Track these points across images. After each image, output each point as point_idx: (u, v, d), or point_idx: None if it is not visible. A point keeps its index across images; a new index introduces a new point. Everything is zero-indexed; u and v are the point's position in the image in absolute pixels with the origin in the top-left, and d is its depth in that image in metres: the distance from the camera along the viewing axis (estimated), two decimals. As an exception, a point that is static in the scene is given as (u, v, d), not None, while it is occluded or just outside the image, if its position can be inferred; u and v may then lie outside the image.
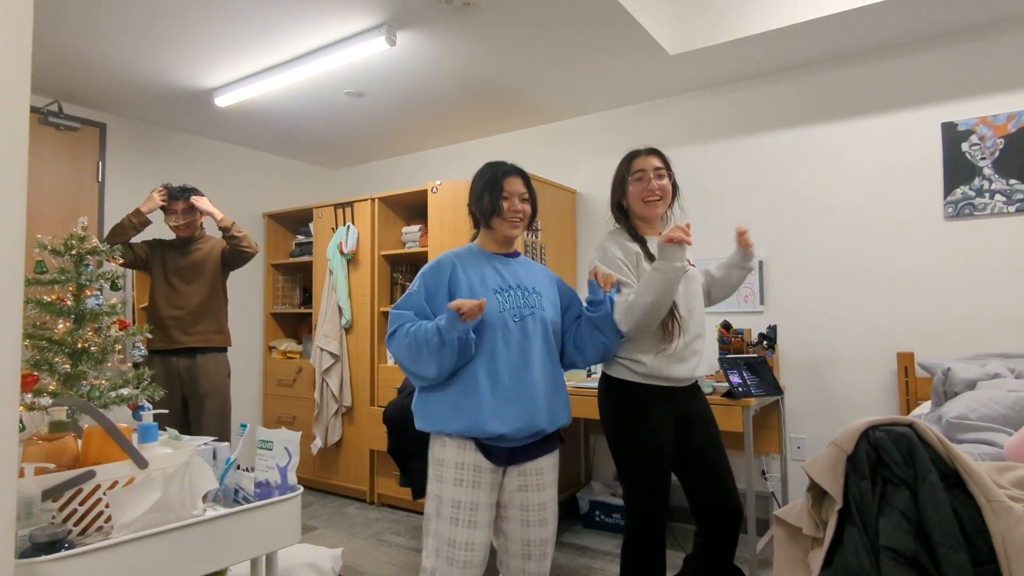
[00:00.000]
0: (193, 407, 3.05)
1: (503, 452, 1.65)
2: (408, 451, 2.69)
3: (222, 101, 3.37)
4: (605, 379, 1.98)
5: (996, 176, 2.64)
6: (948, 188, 2.73)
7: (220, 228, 3.05)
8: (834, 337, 2.96)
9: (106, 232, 3.11)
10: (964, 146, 2.70)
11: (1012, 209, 2.60)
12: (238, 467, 1.50)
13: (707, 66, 3.09)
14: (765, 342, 2.90)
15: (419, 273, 1.75)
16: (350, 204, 3.92)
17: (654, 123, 3.55)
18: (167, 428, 1.57)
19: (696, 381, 2.01)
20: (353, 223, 3.87)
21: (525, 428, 1.64)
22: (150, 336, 1.75)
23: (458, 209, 3.38)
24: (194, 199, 3.07)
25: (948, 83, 2.76)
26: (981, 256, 2.66)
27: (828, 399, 2.97)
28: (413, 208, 3.94)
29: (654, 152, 1.95)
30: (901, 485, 1.03)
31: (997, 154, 2.64)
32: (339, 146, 4.42)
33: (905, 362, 2.73)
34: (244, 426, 1.54)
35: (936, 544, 1.00)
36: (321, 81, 3.21)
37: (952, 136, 2.73)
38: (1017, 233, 2.60)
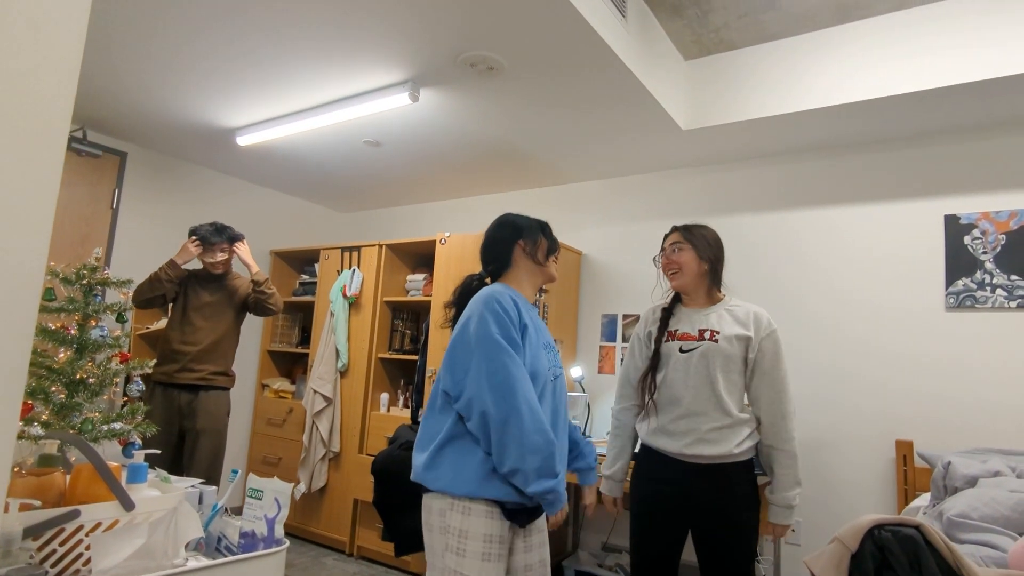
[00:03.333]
0: (188, 443, 3.01)
1: (526, 514, 1.55)
2: (395, 505, 2.62)
3: (244, 140, 3.44)
4: None
5: (997, 271, 2.67)
6: (950, 279, 2.76)
7: (252, 280, 3.12)
8: (833, 420, 2.94)
9: (118, 263, 3.14)
10: (966, 239, 2.75)
11: (1013, 305, 2.62)
12: (225, 510, 1.46)
13: (717, 143, 3.17)
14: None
15: (493, 316, 1.54)
16: (357, 248, 3.96)
17: (662, 193, 3.62)
18: (156, 468, 1.54)
19: (724, 463, 1.85)
20: (359, 267, 3.89)
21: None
22: (150, 370, 1.73)
23: (465, 261, 3.41)
24: (237, 247, 3.13)
25: (952, 177, 2.84)
26: (981, 349, 2.67)
27: (825, 483, 2.92)
28: (419, 257, 3.97)
29: (676, 229, 2.07)
30: (907, 590, 1.01)
31: (999, 249, 2.68)
32: (351, 191, 4.49)
33: (904, 450, 2.70)
34: (235, 472, 1.51)
35: (941, 655, 0.97)
36: (342, 128, 3.29)
37: (955, 229, 2.78)
38: (1018, 329, 2.61)
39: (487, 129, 3.21)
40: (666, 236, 2.09)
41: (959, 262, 2.75)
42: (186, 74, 2.79)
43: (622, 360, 3.56)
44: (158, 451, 1.71)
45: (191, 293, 3.11)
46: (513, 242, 1.77)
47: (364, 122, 3.18)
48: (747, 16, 2.68)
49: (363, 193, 4.54)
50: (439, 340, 3.39)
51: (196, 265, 3.22)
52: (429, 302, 3.55)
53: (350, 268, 3.92)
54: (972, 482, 2.05)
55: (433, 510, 1.55)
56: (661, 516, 1.90)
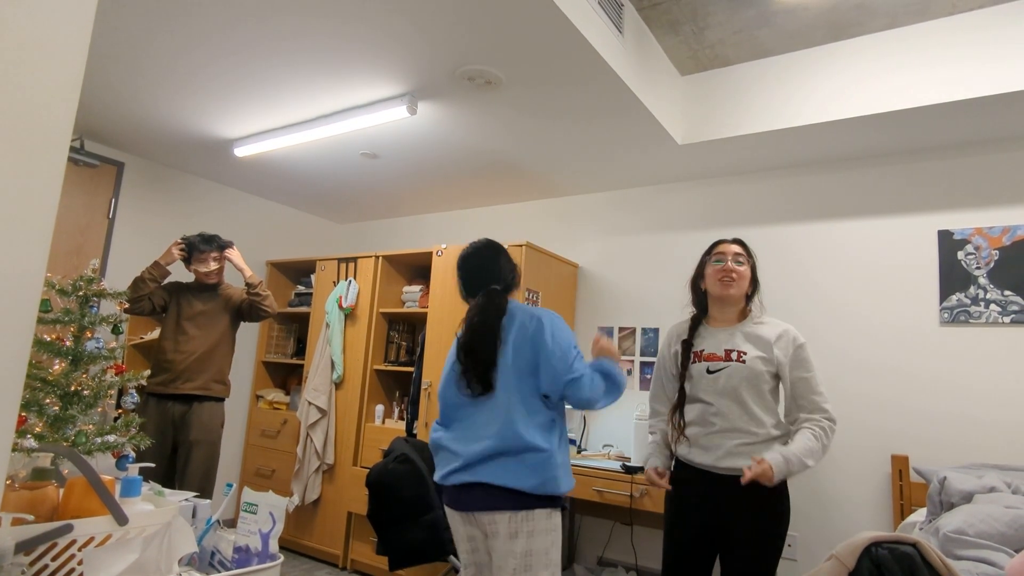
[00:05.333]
0: (181, 454, 2.99)
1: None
2: (390, 518, 2.61)
3: (241, 152, 3.45)
4: None
5: (991, 286, 2.69)
6: (944, 294, 2.78)
7: (247, 284, 3.12)
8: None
9: (113, 274, 3.14)
10: (960, 254, 2.77)
11: (1007, 320, 2.64)
12: (219, 523, 1.45)
13: (714, 158, 3.20)
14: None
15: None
16: (354, 259, 3.95)
17: (659, 206, 3.64)
18: (150, 481, 1.52)
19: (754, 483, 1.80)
20: (355, 278, 3.89)
21: None
22: (144, 383, 1.72)
23: (461, 274, 3.41)
24: (228, 253, 3.13)
25: (945, 193, 2.86)
26: (975, 364, 2.68)
27: (822, 498, 2.91)
28: (416, 269, 3.97)
29: (737, 241, 2.08)
30: (904, 608, 1.01)
31: (992, 265, 2.70)
32: (348, 202, 4.50)
33: (900, 465, 2.70)
34: (230, 486, 1.49)
35: (939, 674, 0.97)
36: (339, 140, 3.30)
37: (948, 244, 2.80)
38: (1012, 344, 2.62)
39: (484, 142, 3.22)
40: (717, 244, 2.08)
41: (953, 277, 2.77)
42: (184, 85, 2.80)
43: (628, 371, 3.55)
44: (152, 464, 1.69)
45: (184, 303, 3.10)
46: (515, 267, 2.03)
47: (362, 134, 3.19)
48: (742, 32, 2.71)
49: (360, 204, 4.55)
50: (435, 351, 3.38)
51: (190, 277, 3.21)
52: (425, 314, 3.54)
53: (346, 279, 3.92)
54: (968, 498, 2.06)
55: (539, 514, 1.74)
56: (691, 526, 1.94)
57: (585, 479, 2.87)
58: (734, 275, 1.99)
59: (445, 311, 3.42)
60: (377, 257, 3.86)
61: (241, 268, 3.14)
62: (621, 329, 3.61)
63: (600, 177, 3.62)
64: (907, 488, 2.67)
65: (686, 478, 1.99)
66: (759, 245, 3.25)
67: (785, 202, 3.25)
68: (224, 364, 3.15)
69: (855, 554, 1.06)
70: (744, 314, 2.05)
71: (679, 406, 2.02)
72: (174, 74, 2.70)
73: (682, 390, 2.02)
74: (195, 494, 1.63)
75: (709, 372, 1.95)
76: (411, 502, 2.59)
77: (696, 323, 2.07)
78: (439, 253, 3.51)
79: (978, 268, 2.73)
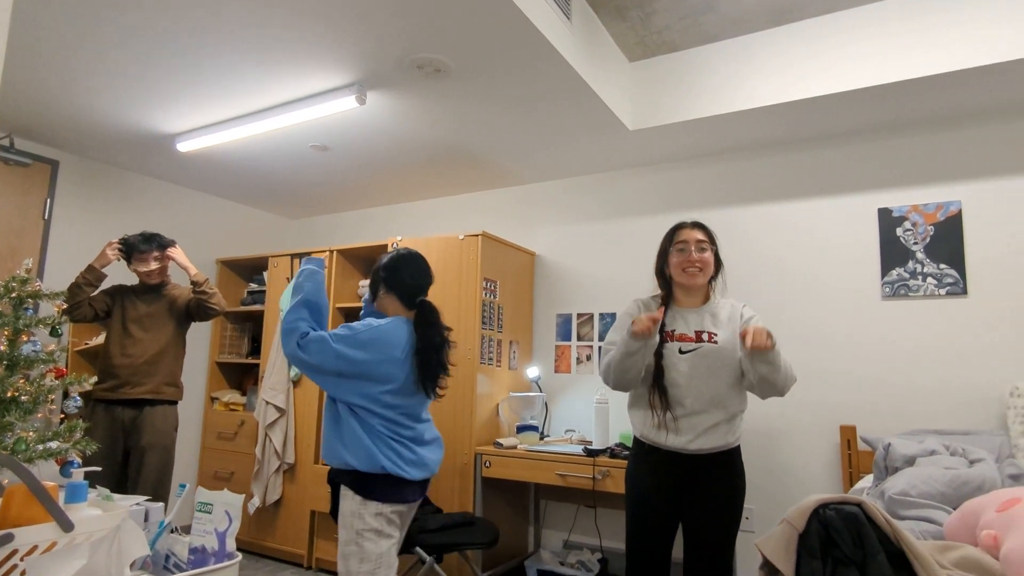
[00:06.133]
0: (134, 460, 2.89)
1: None
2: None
3: (184, 147, 3.33)
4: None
5: (928, 260, 2.82)
6: (885, 269, 2.90)
7: (192, 283, 3.02)
8: (781, 410, 3.03)
9: (52, 277, 3.01)
10: (899, 231, 2.89)
11: (943, 292, 2.77)
12: (173, 530, 1.41)
13: (665, 143, 3.24)
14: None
15: None
16: (307, 254, 3.87)
17: (613, 192, 3.68)
18: (97, 487, 1.47)
19: (721, 452, 1.95)
20: (310, 274, 3.81)
21: None
22: (89, 387, 1.66)
23: (418, 266, 3.38)
24: (170, 251, 3.02)
25: (884, 172, 2.98)
26: (915, 335, 2.81)
27: (775, 471, 3.01)
28: (371, 262, 3.91)
29: (700, 226, 2.07)
30: (851, 565, 1.05)
31: (928, 240, 2.83)
32: (299, 197, 4.40)
33: (848, 435, 2.81)
34: (183, 486, 1.45)
35: (884, 625, 1.01)
36: (287, 133, 3.22)
37: (888, 221, 2.92)
38: (947, 315, 2.76)
39: (436, 131, 3.19)
40: (677, 230, 2.07)
41: (893, 253, 2.89)
42: (119, 78, 2.69)
43: (578, 360, 3.60)
44: (98, 468, 1.63)
45: (128, 305, 2.99)
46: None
47: (311, 126, 3.13)
48: (688, 18, 2.75)
49: (312, 199, 4.46)
50: (394, 345, 3.35)
51: (133, 279, 3.09)
52: (383, 307, 3.50)
53: (301, 275, 3.83)
54: (911, 462, 2.16)
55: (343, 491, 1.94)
56: (659, 507, 1.96)
57: (548, 464, 2.89)
58: (699, 265, 2.00)
59: (403, 303, 3.38)
60: (331, 252, 3.79)
61: (185, 266, 3.04)
62: (579, 315, 3.65)
63: (554, 165, 3.63)
64: (855, 457, 2.78)
65: (652, 462, 1.99)
66: (716, 226, 3.29)
67: (735, 185, 3.33)
68: (175, 366, 3.05)
69: (804, 516, 1.10)
70: (708, 296, 2.09)
71: (656, 383, 1.96)
72: (107, 67, 2.58)
73: (659, 367, 1.97)
74: (147, 498, 1.58)
75: (681, 352, 1.97)
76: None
77: (666, 304, 2.07)
78: (395, 246, 3.47)
79: (915, 243, 2.85)
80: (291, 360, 1.92)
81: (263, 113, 2.99)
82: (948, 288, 2.76)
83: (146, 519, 1.46)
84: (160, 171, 3.91)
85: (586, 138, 3.21)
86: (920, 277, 2.82)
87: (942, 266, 2.79)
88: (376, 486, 1.87)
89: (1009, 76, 2.46)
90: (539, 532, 3.57)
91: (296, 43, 2.39)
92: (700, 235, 2.04)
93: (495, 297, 3.39)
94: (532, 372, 3.59)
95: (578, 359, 3.61)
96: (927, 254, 2.82)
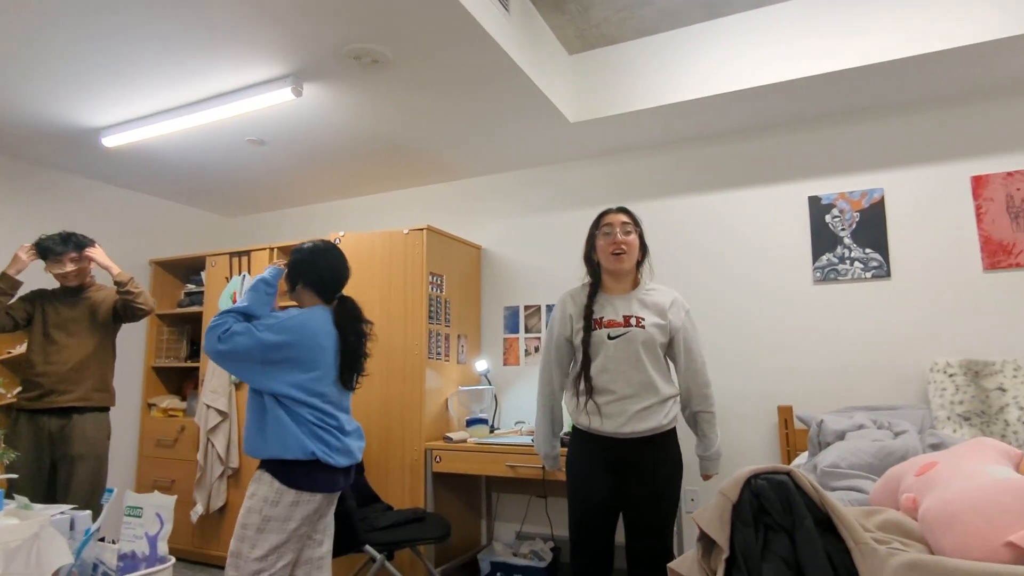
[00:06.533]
0: (63, 471, 2.74)
1: None
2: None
3: (110, 141, 3.17)
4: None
5: (854, 245, 2.95)
6: (815, 255, 3.02)
7: (116, 283, 2.86)
8: (722, 393, 3.12)
9: None
10: (828, 218, 3.02)
11: (869, 275, 2.91)
12: (101, 539, 1.34)
13: (605, 135, 3.29)
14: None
15: None
16: (247, 253, 3.77)
17: (556, 184, 3.71)
18: (15, 496, 1.39)
19: (655, 434, 1.99)
20: (249, 273, 3.71)
21: None
22: (13, 398, 1.56)
23: (362, 261, 3.33)
24: (89, 252, 2.86)
25: (813, 161, 3.10)
26: (845, 317, 2.94)
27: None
28: (315, 259, 3.83)
29: (623, 210, 2.10)
30: (781, 531, 1.09)
31: (855, 226, 2.96)
32: (237, 193, 4.26)
33: (785, 415, 2.92)
34: (110, 491, 1.39)
35: (813, 587, 1.06)
36: (221, 127, 3.11)
37: (817, 209, 3.04)
38: (873, 297, 2.90)
39: (376, 125, 3.15)
40: (604, 216, 2.11)
41: (822, 239, 3.02)
42: (36, 69, 2.54)
43: (527, 352, 3.62)
44: (15, 475, 1.54)
45: (49, 311, 2.83)
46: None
47: (245, 119, 3.03)
48: (625, 11, 2.79)
49: (250, 195, 4.33)
50: (340, 343, 3.29)
51: (55, 283, 2.92)
52: (327, 304, 3.43)
53: (240, 274, 3.72)
54: (841, 436, 2.26)
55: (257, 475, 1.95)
56: (598, 491, 1.98)
57: (498, 456, 2.90)
58: (624, 247, 2.04)
59: (348, 300, 3.33)
60: (272, 249, 3.69)
61: (107, 267, 2.88)
62: (527, 307, 3.66)
63: (497, 158, 3.64)
64: (792, 435, 2.90)
65: (588, 448, 2.03)
66: (653, 217, 3.39)
67: (675, 176, 3.40)
68: (105, 371, 2.91)
69: (737, 487, 1.14)
70: (636, 282, 2.13)
71: (583, 371, 2.02)
72: (24, 56, 2.44)
73: (586, 355, 2.03)
74: (73, 507, 1.50)
75: (610, 338, 2.01)
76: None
77: (594, 291, 2.10)
78: (337, 241, 3.40)
79: (843, 230, 2.99)
80: (211, 355, 1.88)
81: (195, 106, 2.88)
82: (873, 271, 2.91)
83: (72, 527, 1.39)
84: (85, 168, 3.72)
85: (528, 131, 3.23)
86: (848, 262, 2.96)
87: (867, 250, 2.93)
88: (303, 474, 1.87)
89: (928, 68, 2.60)
90: (491, 525, 3.58)
91: (228, 32, 2.31)
92: (624, 218, 2.08)
93: (442, 291, 3.37)
94: (481, 365, 3.59)
95: (526, 351, 3.63)
96: (854, 239, 2.96)
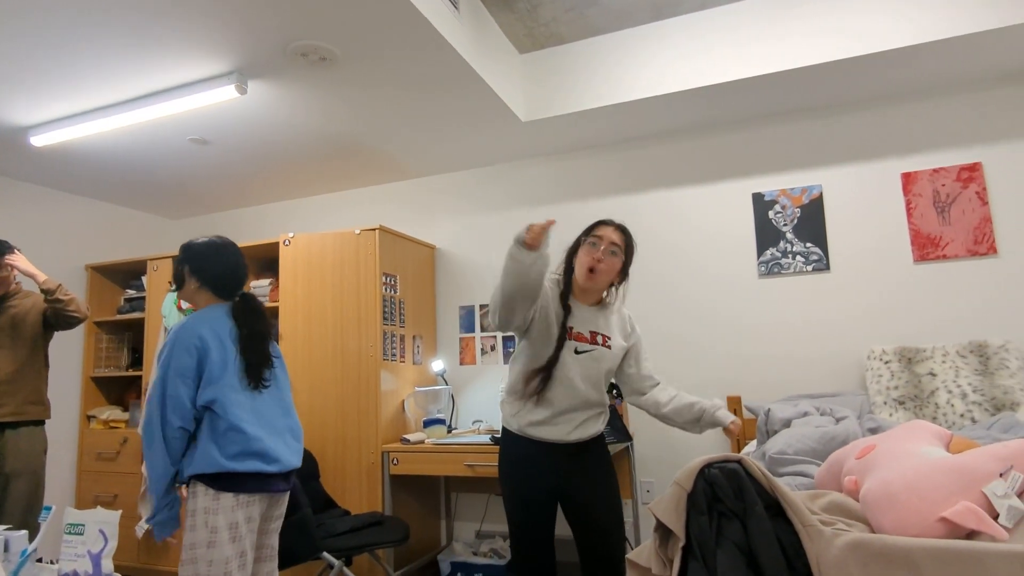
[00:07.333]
0: None
1: None
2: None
3: (39, 140, 3.01)
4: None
5: (796, 240, 3.07)
6: (760, 250, 3.13)
7: (43, 291, 2.68)
8: (676, 385, 3.19)
9: None
10: (771, 213, 3.13)
11: (810, 268, 3.03)
12: (39, 559, 1.28)
13: (558, 133, 3.32)
14: (615, 391, 3.06)
15: None
16: (191, 256, 3.63)
17: (510, 183, 3.72)
18: (-57, 519, 1.31)
19: (592, 440, 1.97)
20: (194, 277, 3.58)
21: None
22: None
23: (313, 262, 3.27)
24: (8, 259, 2.68)
25: (756, 159, 3.21)
26: (788, 309, 3.06)
27: (672, 444, 3.18)
28: (262, 262, 3.73)
29: (621, 229, 1.96)
30: (733, 518, 1.13)
31: (796, 221, 3.08)
32: (180, 195, 4.11)
33: (734, 405, 3.02)
34: (48, 509, 1.32)
35: (765, 571, 1.10)
36: (161, 125, 3.00)
37: (761, 205, 3.15)
38: (814, 289, 3.02)
39: (325, 123, 3.09)
40: (598, 225, 1.96)
41: (766, 234, 3.13)
42: (-45, 63, 2.39)
43: (483, 351, 3.61)
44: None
45: None
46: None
47: (187, 118, 2.92)
48: (573, 11, 2.82)
49: (194, 197, 4.18)
50: (290, 346, 3.22)
51: None
52: (277, 308, 3.35)
53: (184, 278, 3.59)
54: (787, 424, 2.35)
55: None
56: (538, 494, 1.93)
57: (456, 456, 2.89)
58: (603, 266, 1.90)
59: (298, 303, 3.26)
60: (218, 252, 3.57)
61: (32, 274, 2.70)
62: (482, 306, 3.66)
63: (449, 157, 3.62)
64: (742, 425, 2.99)
65: (528, 453, 1.93)
66: (608, 214, 3.39)
67: (625, 173, 3.46)
68: (38, 382, 2.76)
69: (691, 477, 1.17)
70: (601, 300, 2.03)
71: (544, 373, 1.88)
72: (-61, 49, 2.29)
73: (552, 359, 1.88)
74: (8, 527, 1.42)
75: (577, 353, 1.92)
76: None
77: (566, 294, 1.96)
78: (286, 243, 3.33)
79: (785, 225, 3.10)
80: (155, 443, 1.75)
81: (132, 103, 2.76)
82: (814, 265, 3.03)
83: (6, 549, 1.32)
84: (11, 169, 3.51)
85: (480, 129, 3.22)
86: (790, 256, 3.07)
87: (808, 245, 3.05)
88: (233, 479, 1.77)
89: (862, 69, 2.72)
90: (451, 525, 3.57)
91: (162, 27, 2.22)
92: (617, 238, 1.93)
93: (396, 292, 3.33)
94: (437, 366, 3.57)
95: (483, 350, 3.63)
96: (795, 234, 3.08)
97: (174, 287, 2.01)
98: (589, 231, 1.97)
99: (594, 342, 1.94)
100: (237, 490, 1.77)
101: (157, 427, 1.73)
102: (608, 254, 1.91)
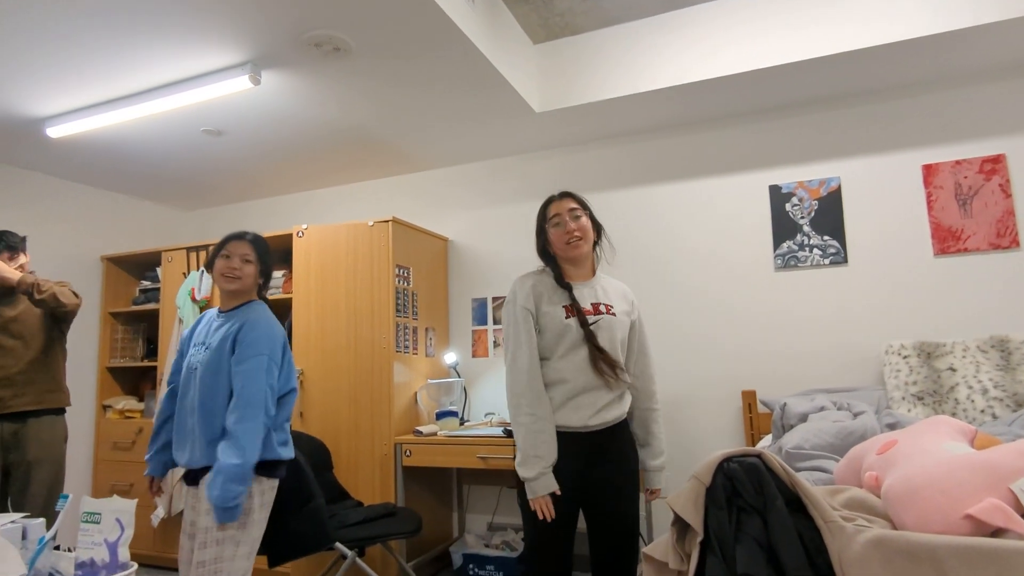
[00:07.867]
0: (17, 477, 2.61)
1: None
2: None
3: (55, 132, 3.03)
4: None
5: (813, 233, 3.03)
6: (776, 242, 3.09)
7: (21, 293, 2.65)
8: (686, 379, 3.18)
9: None
10: (788, 206, 3.08)
11: (827, 262, 2.99)
12: (56, 547, 1.28)
13: (572, 125, 3.29)
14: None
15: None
16: (205, 247, 3.65)
17: (523, 175, 3.69)
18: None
19: (617, 425, 1.93)
20: (208, 268, 3.59)
21: None
22: None
23: (326, 254, 3.27)
24: None
25: (774, 150, 3.16)
26: (805, 303, 3.02)
27: (683, 437, 3.16)
28: (276, 253, 3.71)
29: (567, 195, 1.98)
30: (753, 513, 1.11)
31: (813, 214, 3.04)
32: (194, 186, 4.13)
33: (749, 399, 2.99)
34: (65, 497, 1.33)
35: (786, 566, 1.08)
36: (176, 116, 3.01)
37: (777, 197, 3.11)
38: (831, 282, 2.98)
39: (339, 114, 3.08)
40: (548, 205, 1.98)
41: (783, 227, 3.08)
42: (-27, 54, 2.40)
43: (495, 344, 3.60)
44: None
45: None
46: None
47: (201, 108, 2.93)
48: (588, 1, 2.79)
49: (207, 188, 4.19)
50: (303, 338, 3.23)
51: None
52: (290, 299, 3.36)
53: (198, 269, 3.61)
54: (804, 418, 2.32)
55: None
56: (564, 486, 1.81)
57: (469, 448, 2.89)
58: (578, 233, 1.92)
59: (312, 295, 3.26)
60: (231, 243, 3.58)
61: (5, 279, 2.63)
62: (495, 299, 3.65)
63: (462, 149, 3.60)
64: (756, 419, 2.97)
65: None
66: (623, 206, 3.42)
67: (640, 165, 3.43)
68: (58, 370, 2.78)
69: (710, 471, 1.16)
70: (594, 267, 2.03)
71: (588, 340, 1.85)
72: (-44, 40, 2.30)
73: (590, 334, 1.86)
74: (25, 515, 1.43)
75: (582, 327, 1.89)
76: (290, 493, 2.47)
77: (558, 279, 1.96)
78: (300, 234, 3.33)
79: (802, 218, 3.06)
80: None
81: (146, 94, 2.77)
82: (831, 258, 2.98)
83: (24, 537, 1.33)
84: (28, 160, 3.54)
85: (494, 121, 3.20)
86: (807, 249, 3.03)
87: (825, 237, 3.00)
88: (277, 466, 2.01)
89: (882, 59, 2.67)
90: (463, 517, 3.57)
91: (180, 17, 2.22)
92: (571, 203, 1.95)
93: (409, 284, 3.33)
94: (450, 358, 3.57)
95: (495, 343, 3.62)
96: (812, 227, 3.03)
97: (262, 280, 2.19)
98: (544, 216, 1.99)
99: (598, 312, 1.93)
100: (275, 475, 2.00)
101: (262, 411, 1.87)
102: (574, 219, 1.94)
